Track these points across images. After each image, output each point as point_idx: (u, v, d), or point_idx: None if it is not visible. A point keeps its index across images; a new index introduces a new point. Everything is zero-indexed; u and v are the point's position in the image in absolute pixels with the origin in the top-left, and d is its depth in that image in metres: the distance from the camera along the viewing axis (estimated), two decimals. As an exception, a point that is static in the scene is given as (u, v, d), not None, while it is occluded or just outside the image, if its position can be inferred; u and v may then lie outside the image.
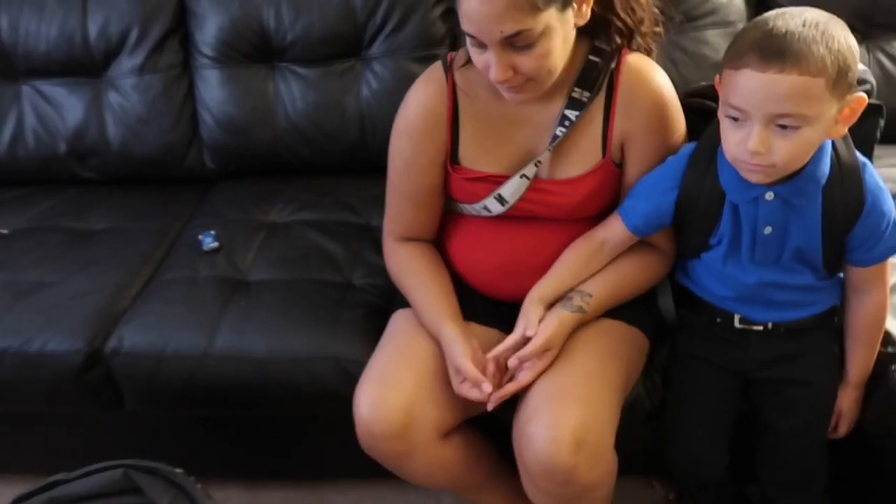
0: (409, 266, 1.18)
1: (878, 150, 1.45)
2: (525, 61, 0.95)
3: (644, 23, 1.05)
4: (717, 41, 1.50)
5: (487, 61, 0.97)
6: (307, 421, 1.37)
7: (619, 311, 1.12)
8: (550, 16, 0.94)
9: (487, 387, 1.03)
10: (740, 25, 1.50)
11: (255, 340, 1.27)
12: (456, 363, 1.06)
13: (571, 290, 1.09)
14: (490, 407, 1.05)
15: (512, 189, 1.09)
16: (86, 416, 1.45)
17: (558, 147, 1.08)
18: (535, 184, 1.09)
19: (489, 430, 1.19)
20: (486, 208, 1.12)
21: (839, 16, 1.40)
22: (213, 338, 1.28)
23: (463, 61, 1.09)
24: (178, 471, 1.08)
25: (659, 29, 1.09)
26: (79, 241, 1.57)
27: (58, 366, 1.31)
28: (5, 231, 1.62)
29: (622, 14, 1.03)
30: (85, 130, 1.71)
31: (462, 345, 1.07)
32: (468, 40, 0.98)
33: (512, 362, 1.04)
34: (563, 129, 1.06)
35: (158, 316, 1.33)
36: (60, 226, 1.63)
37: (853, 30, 1.41)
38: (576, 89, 1.05)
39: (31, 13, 1.66)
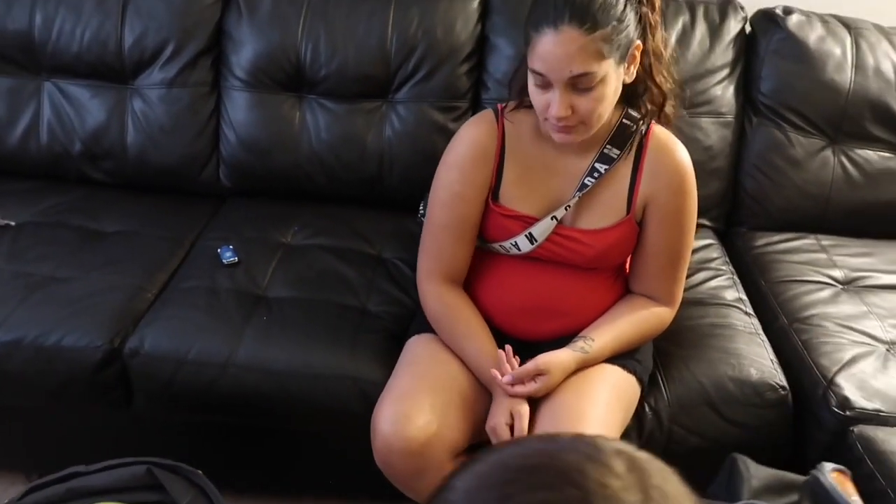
0: (459, 313, 1.24)
1: (844, 241, 1.67)
2: (583, 102, 1.09)
3: (662, 88, 1.20)
4: (709, 128, 1.69)
5: (549, 100, 1.09)
6: (314, 436, 1.42)
7: (621, 358, 1.24)
8: (610, 65, 1.08)
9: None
10: (729, 118, 1.70)
11: (276, 354, 1.33)
12: (502, 404, 1.15)
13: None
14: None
15: (542, 229, 1.21)
16: (80, 414, 1.45)
17: (586, 198, 1.21)
18: (561, 229, 1.22)
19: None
20: (516, 245, 1.23)
21: (812, 118, 1.65)
22: (236, 347, 1.33)
23: (512, 107, 1.22)
24: (199, 472, 1.13)
25: (674, 104, 1.24)
26: (90, 240, 1.59)
27: (75, 360, 1.33)
28: (12, 223, 1.62)
29: (658, 80, 1.18)
30: (103, 133, 1.74)
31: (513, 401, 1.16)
32: (532, 80, 1.11)
33: (507, 378, 1.14)
34: (592, 180, 1.20)
35: (182, 321, 1.37)
36: (70, 223, 1.64)
37: (822, 133, 1.66)
38: (608, 146, 1.19)
39: (68, 13, 1.70)
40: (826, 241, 1.68)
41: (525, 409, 1.15)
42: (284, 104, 1.73)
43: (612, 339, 1.22)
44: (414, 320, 1.38)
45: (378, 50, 1.68)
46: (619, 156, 1.19)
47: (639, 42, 1.14)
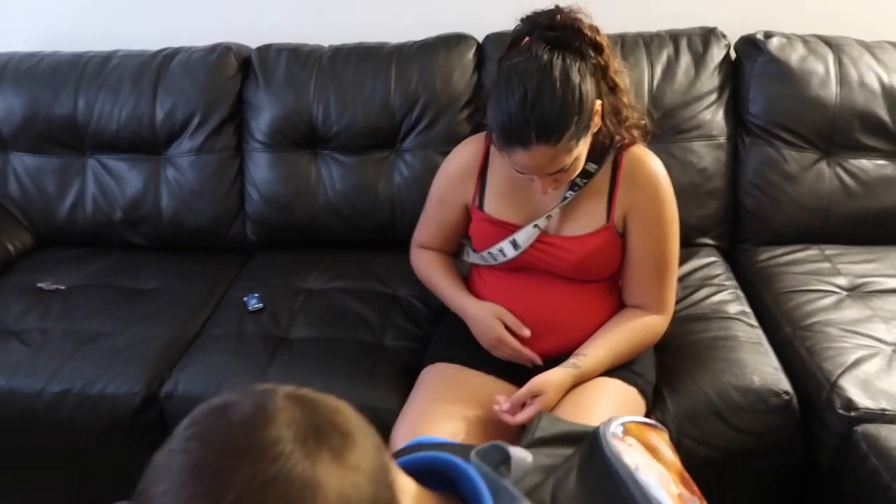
0: (430, 263, 1.48)
1: (847, 249, 1.70)
2: (564, 177, 1.23)
3: (629, 120, 1.28)
4: (701, 151, 1.75)
5: (530, 178, 1.23)
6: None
7: (619, 371, 1.29)
8: (581, 144, 1.19)
9: (526, 331, 1.30)
10: (722, 139, 1.77)
11: (298, 389, 1.42)
12: (482, 320, 1.32)
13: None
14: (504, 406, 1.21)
15: (525, 236, 1.30)
16: (126, 457, 1.56)
17: (568, 209, 1.31)
18: (544, 237, 1.31)
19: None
20: (501, 251, 1.33)
21: (803, 133, 1.70)
22: (261, 385, 1.43)
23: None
24: None
25: (645, 121, 1.32)
26: (131, 298, 1.74)
27: (116, 406, 1.45)
28: (62, 287, 1.78)
29: (625, 115, 1.28)
30: (141, 200, 1.91)
31: (490, 307, 1.33)
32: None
33: (504, 406, 1.21)
34: (572, 193, 1.29)
35: (211, 364, 1.49)
36: (113, 284, 1.80)
37: (814, 147, 1.71)
38: (586, 163, 1.28)
39: (107, 96, 1.89)
40: (830, 250, 1.71)
41: (502, 308, 1.32)
42: (301, 161, 1.87)
43: (604, 352, 1.28)
44: (427, 351, 1.46)
45: (383, 104, 1.81)
46: (596, 169, 1.29)
47: (598, 102, 1.20)
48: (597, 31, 1.22)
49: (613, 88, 1.25)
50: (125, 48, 1.99)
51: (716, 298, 1.59)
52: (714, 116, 1.77)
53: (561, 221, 1.32)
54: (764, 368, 1.38)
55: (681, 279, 1.66)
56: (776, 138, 1.75)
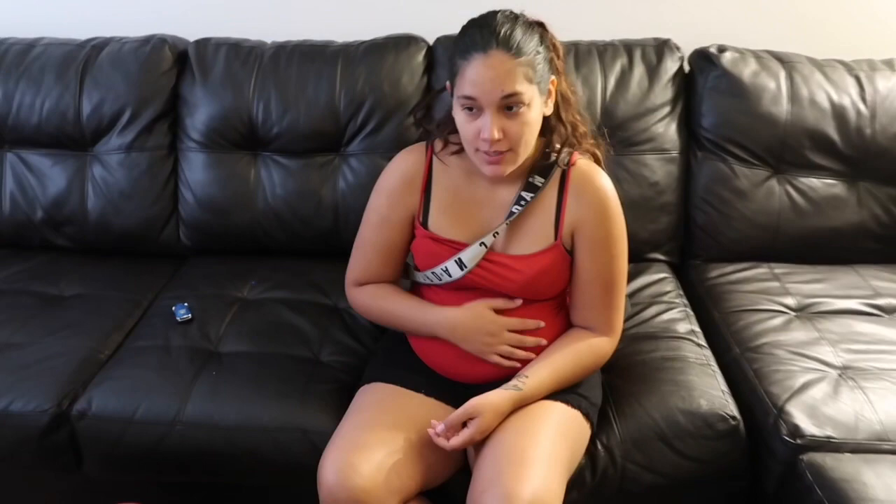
0: (375, 293, 1.34)
1: (796, 268, 1.68)
2: (513, 126, 1.14)
3: (578, 128, 1.26)
4: (654, 164, 1.72)
5: (479, 127, 1.14)
6: (267, 491, 1.41)
7: (563, 394, 1.24)
8: (535, 92, 1.14)
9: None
10: (674, 153, 1.74)
11: (225, 409, 1.33)
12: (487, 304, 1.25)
13: None
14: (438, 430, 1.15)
15: (471, 255, 1.24)
16: (33, 479, 1.44)
17: (514, 226, 1.24)
18: (491, 255, 1.24)
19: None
20: (446, 271, 1.26)
21: (753, 149, 1.69)
22: (184, 405, 1.33)
23: (441, 146, 1.28)
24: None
25: (592, 141, 1.29)
26: (49, 305, 1.61)
27: (22, 426, 1.33)
28: (-27, 291, 1.64)
29: (565, 118, 1.24)
30: (65, 200, 1.78)
31: (471, 304, 1.24)
32: (461, 111, 1.16)
33: (439, 429, 1.14)
34: (519, 207, 1.23)
35: (130, 381, 1.38)
36: (31, 290, 1.67)
37: (765, 164, 1.70)
38: (532, 176, 1.24)
39: (27, 87, 1.76)
40: (779, 269, 1.69)
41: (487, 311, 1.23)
42: (240, 162, 1.77)
43: (548, 374, 1.22)
44: (366, 369, 1.38)
45: (327, 106, 1.73)
46: (543, 183, 1.23)
47: (553, 78, 1.20)
48: (555, 39, 1.23)
49: (564, 96, 1.23)
50: (50, 36, 1.86)
51: (665, 317, 1.55)
52: (667, 129, 1.74)
53: (508, 239, 1.25)
54: (712, 392, 1.34)
55: (631, 295, 1.62)
56: (727, 153, 1.73)
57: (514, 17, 1.16)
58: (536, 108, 1.16)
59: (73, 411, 1.34)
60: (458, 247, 1.25)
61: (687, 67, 1.80)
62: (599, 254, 1.24)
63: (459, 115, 1.17)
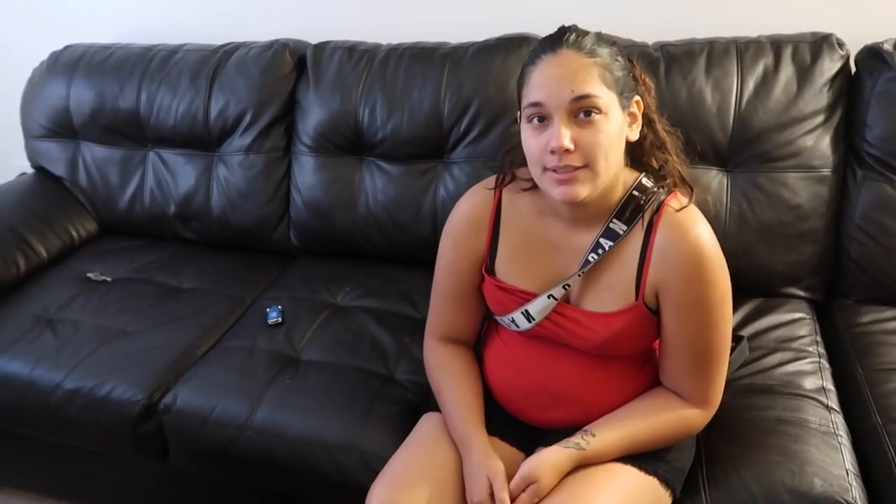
0: (445, 366, 1.21)
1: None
2: (585, 135, 0.97)
3: (673, 165, 1.08)
4: (796, 184, 1.45)
5: (546, 140, 0.98)
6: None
7: (635, 456, 1.08)
8: (613, 99, 0.99)
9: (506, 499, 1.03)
10: (825, 171, 1.46)
11: (290, 419, 1.33)
12: (474, 471, 1.06)
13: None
14: None
15: (539, 307, 1.10)
16: (129, 462, 1.55)
17: (591, 277, 1.08)
18: (563, 308, 1.10)
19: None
20: (514, 322, 1.14)
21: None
22: (255, 409, 1.35)
23: (510, 179, 1.15)
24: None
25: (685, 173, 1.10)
26: (166, 296, 1.73)
27: (118, 412, 1.43)
28: (109, 279, 1.81)
29: (662, 136, 1.07)
30: (193, 196, 1.90)
31: (488, 465, 1.07)
32: (528, 125, 1.01)
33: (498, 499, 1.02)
34: (596, 256, 1.07)
35: (212, 379, 1.43)
36: (155, 280, 1.80)
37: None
38: (614, 220, 1.06)
39: (166, 91, 1.89)
40: (955, 320, 1.37)
41: (499, 467, 1.05)
42: (345, 167, 1.77)
43: (619, 437, 1.06)
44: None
45: (432, 111, 1.67)
46: (625, 231, 1.05)
47: (638, 98, 1.03)
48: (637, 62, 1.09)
49: (652, 124, 1.06)
50: (195, 42, 1.99)
51: (790, 368, 1.31)
52: (817, 143, 1.46)
53: (582, 290, 1.09)
54: (832, 469, 1.10)
55: (753, 338, 1.39)
56: (897, 174, 1.42)
57: (588, 31, 1.02)
58: (616, 121, 0.99)
59: (161, 404, 1.41)
60: (527, 297, 1.12)
61: (853, 68, 1.50)
62: (689, 320, 1.04)
63: (526, 132, 1.03)
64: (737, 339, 1.31)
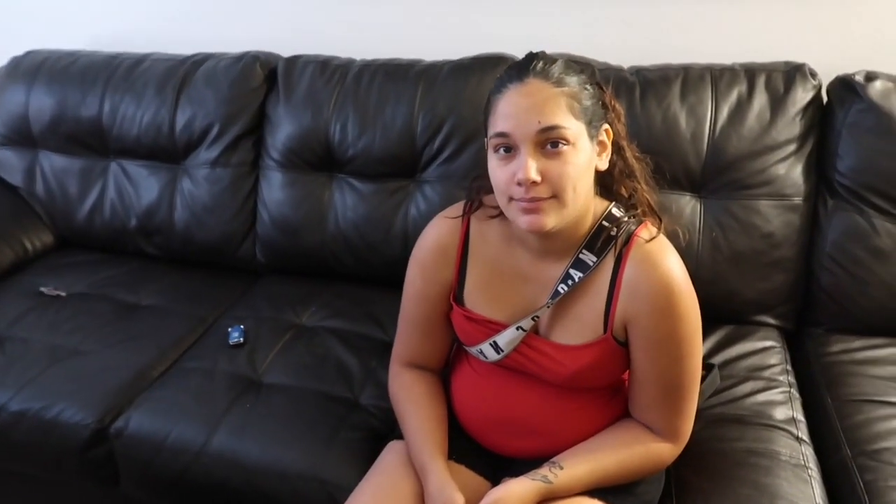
0: (407, 392, 1.18)
1: None
2: (553, 167, 0.95)
3: (643, 194, 1.06)
4: (769, 212, 1.45)
5: (513, 171, 0.95)
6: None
7: (603, 490, 1.04)
8: (581, 130, 0.97)
9: None
10: (797, 200, 1.46)
11: (249, 446, 1.27)
12: (433, 501, 1.02)
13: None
14: None
15: (507, 339, 1.07)
16: (75, 488, 1.47)
17: (560, 308, 1.05)
18: (531, 340, 1.07)
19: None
20: (482, 353, 1.10)
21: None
22: (211, 435, 1.29)
23: (478, 206, 1.12)
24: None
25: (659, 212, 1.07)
26: (123, 314, 1.66)
27: (67, 436, 1.35)
28: (63, 294, 1.73)
29: (630, 162, 1.05)
30: (156, 210, 1.84)
31: (448, 494, 1.03)
32: (494, 155, 0.99)
33: None
34: (566, 287, 1.04)
35: (168, 403, 1.36)
36: (113, 296, 1.73)
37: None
38: (583, 251, 1.04)
39: (131, 100, 1.83)
40: (924, 352, 1.37)
41: (457, 499, 1.01)
42: (315, 183, 1.73)
43: (588, 470, 1.03)
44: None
45: (404, 129, 1.64)
46: (595, 262, 1.02)
47: (608, 126, 1.01)
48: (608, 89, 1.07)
49: (621, 150, 1.04)
50: (162, 51, 1.94)
51: (760, 398, 1.30)
52: (790, 171, 1.46)
53: (551, 322, 1.06)
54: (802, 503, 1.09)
55: (724, 366, 1.38)
56: (867, 204, 1.42)
57: (556, 58, 0.99)
58: (585, 151, 0.97)
59: (112, 429, 1.35)
60: (495, 327, 1.08)
61: (825, 98, 1.51)
62: (659, 355, 1.01)
63: (492, 161, 1.00)
64: (707, 368, 1.29)
